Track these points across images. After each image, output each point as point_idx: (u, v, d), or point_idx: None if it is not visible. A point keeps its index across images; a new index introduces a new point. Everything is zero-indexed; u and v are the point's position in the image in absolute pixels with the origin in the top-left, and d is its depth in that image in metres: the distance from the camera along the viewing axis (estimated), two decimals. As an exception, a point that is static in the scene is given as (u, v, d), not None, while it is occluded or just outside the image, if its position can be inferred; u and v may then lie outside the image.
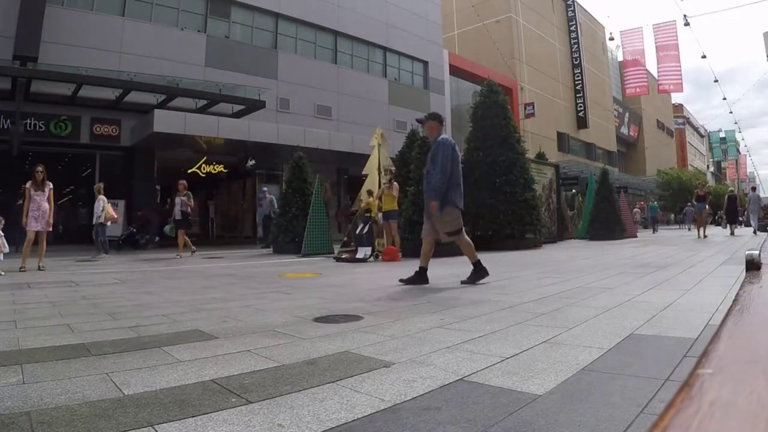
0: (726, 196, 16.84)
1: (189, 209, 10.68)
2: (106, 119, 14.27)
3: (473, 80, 26.33)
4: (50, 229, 7.52)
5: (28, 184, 7.35)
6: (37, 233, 7.24)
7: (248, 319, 3.14)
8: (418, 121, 5.27)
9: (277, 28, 18.58)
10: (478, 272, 4.75)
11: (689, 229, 26.34)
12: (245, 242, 16.91)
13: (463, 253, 4.87)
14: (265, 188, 14.28)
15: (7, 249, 6.86)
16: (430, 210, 4.77)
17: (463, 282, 4.74)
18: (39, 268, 7.00)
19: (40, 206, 7.25)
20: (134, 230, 13.19)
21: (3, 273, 6.36)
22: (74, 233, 14.73)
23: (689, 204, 32.72)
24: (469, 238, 4.90)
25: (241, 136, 14.09)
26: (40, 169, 7.35)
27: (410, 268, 7.09)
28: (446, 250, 9.00)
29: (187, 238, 10.45)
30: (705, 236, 14.92)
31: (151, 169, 15.34)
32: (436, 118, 5.04)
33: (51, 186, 7.54)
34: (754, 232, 15.64)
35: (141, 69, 13.65)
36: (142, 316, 3.29)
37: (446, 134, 4.97)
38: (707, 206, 17.00)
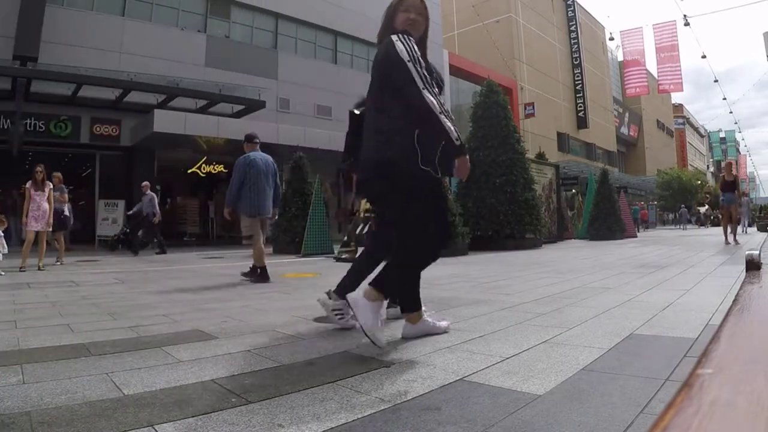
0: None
1: (65, 207, 8.88)
2: (106, 119, 14.27)
3: (473, 80, 26.33)
4: (50, 229, 7.53)
5: (28, 184, 7.38)
6: (37, 233, 7.26)
7: (248, 319, 3.14)
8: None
9: (277, 28, 18.59)
10: (260, 275, 5.37)
11: (683, 229, 26.54)
12: (245, 242, 16.91)
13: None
14: (145, 182, 11.74)
15: (6, 249, 6.86)
16: (225, 215, 5.50)
17: (243, 273, 5.51)
18: (39, 268, 7.00)
19: (40, 206, 7.27)
20: (128, 230, 13.20)
21: (3, 273, 6.36)
22: (74, 233, 14.71)
23: (682, 206, 33.07)
24: (262, 246, 5.46)
25: (241, 136, 14.03)
26: (39, 169, 7.37)
27: (410, 268, 7.05)
28: (445, 250, 9.01)
29: (62, 242, 8.73)
30: (736, 242, 10.63)
31: (151, 169, 15.33)
32: (246, 140, 5.72)
33: (51, 186, 7.57)
34: (744, 230, 17.86)
35: (141, 69, 13.65)
36: (142, 316, 3.29)
37: (257, 151, 5.58)
38: (707, 207, 17.18)
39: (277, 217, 5.83)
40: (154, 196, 10.70)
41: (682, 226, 28.11)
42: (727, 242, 10.62)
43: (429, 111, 2.23)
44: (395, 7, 2.46)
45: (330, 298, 2.81)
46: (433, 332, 2.54)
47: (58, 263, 8.20)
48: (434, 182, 2.36)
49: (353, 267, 2.98)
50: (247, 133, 5.87)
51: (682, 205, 33.57)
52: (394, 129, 2.29)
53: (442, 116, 2.25)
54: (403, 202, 2.35)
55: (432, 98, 2.24)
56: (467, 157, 2.41)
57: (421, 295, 2.57)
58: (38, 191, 7.30)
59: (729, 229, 11.05)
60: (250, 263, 5.70)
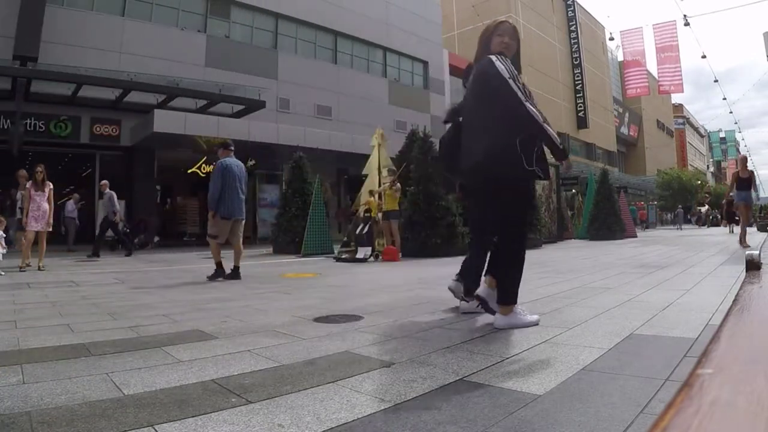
0: (724, 201, 18.38)
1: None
2: (106, 119, 14.27)
3: (473, 80, 26.30)
4: (50, 229, 7.52)
5: (28, 184, 7.36)
6: (37, 233, 7.25)
7: (248, 319, 3.14)
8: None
9: (277, 28, 18.58)
10: (218, 273, 5.71)
11: (680, 229, 26.76)
12: (245, 242, 16.90)
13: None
14: (104, 181, 10.85)
15: (5, 249, 6.86)
16: (210, 218, 5.85)
17: (208, 277, 5.71)
18: (39, 268, 6.99)
19: (40, 206, 7.26)
20: (127, 230, 13.20)
21: (3, 273, 6.36)
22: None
23: (679, 206, 33.36)
24: (218, 247, 5.81)
25: (241, 136, 14.08)
26: (39, 169, 7.36)
27: (410, 267, 7.10)
28: (445, 250, 9.02)
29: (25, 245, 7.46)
30: (746, 244, 9.74)
31: (151, 169, 15.34)
32: (222, 147, 6.04)
33: (51, 186, 7.55)
34: (759, 229, 18.70)
35: (141, 69, 13.65)
36: (142, 316, 3.29)
37: (231, 157, 5.91)
38: (707, 207, 17.34)
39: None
40: (113, 194, 10.38)
41: (678, 227, 28.51)
42: (743, 245, 9.51)
43: (533, 121, 2.56)
44: (492, 32, 2.80)
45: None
46: (524, 325, 2.70)
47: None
48: (533, 182, 2.70)
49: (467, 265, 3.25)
50: (222, 141, 6.35)
51: (680, 206, 33.95)
52: (499, 137, 2.60)
53: (545, 125, 2.60)
54: (512, 201, 2.69)
55: (533, 109, 2.56)
56: (569, 158, 2.78)
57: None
58: (38, 191, 7.29)
59: (740, 230, 10.11)
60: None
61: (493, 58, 2.64)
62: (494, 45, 2.75)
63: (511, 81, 2.56)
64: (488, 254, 2.99)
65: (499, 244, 2.79)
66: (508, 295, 2.72)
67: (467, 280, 3.09)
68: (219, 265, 5.70)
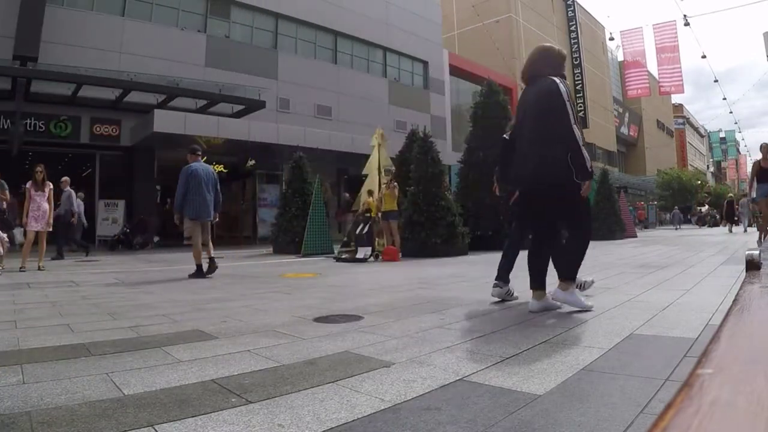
0: (725, 201, 19.04)
1: (4, 204, 7.77)
2: (106, 119, 14.26)
3: (473, 80, 26.31)
4: (50, 229, 7.49)
5: (28, 184, 7.33)
6: (37, 233, 7.23)
7: (248, 319, 3.14)
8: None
9: (277, 28, 18.58)
10: (197, 272, 5.96)
11: (677, 229, 27.05)
12: (245, 242, 16.90)
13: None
14: (65, 177, 10.24)
15: (8, 244, 6.86)
16: (175, 221, 6.26)
17: (190, 275, 5.95)
18: (39, 268, 6.98)
19: (40, 206, 7.24)
20: (128, 230, 13.20)
21: (2, 269, 6.35)
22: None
23: (676, 207, 33.62)
24: (199, 247, 6.07)
25: (241, 136, 14.09)
26: (39, 169, 7.33)
27: (410, 267, 7.10)
28: (445, 250, 9.02)
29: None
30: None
31: (151, 169, 15.34)
32: (189, 152, 6.37)
33: (51, 186, 7.52)
34: (744, 230, 18.48)
35: (141, 69, 13.64)
36: (142, 316, 3.29)
37: (199, 162, 6.22)
38: (707, 207, 17.55)
39: (217, 219, 6.47)
40: (72, 193, 9.87)
41: (675, 227, 28.95)
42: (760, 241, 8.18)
43: (575, 141, 2.97)
44: (563, 58, 3.39)
45: (499, 287, 3.68)
46: (577, 305, 3.11)
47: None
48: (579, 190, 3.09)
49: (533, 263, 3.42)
50: (191, 146, 6.70)
51: (676, 207, 34.36)
52: (554, 152, 3.01)
53: (582, 148, 2.99)
54: (571, 206, 3.14)
55: (578, 132, 2.98)
56: (590, 182, 3.13)
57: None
58: (38, 191, 7.27)
59: (759, 230, 9.13)
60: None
61: (558, 80, 3.08)
62: (562, 68, 3.31)
63: (568, 103, 3.00)
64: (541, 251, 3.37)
65: (572, 232, 3.33)
66: (569, 271, 3.16)
67: (538, 280, 3.29)
68: (200, 267, 6.01)
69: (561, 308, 3.18)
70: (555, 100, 3.01)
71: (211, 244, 6.24)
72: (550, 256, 3.34)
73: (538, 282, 3.25)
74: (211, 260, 6.04)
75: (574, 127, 2.95)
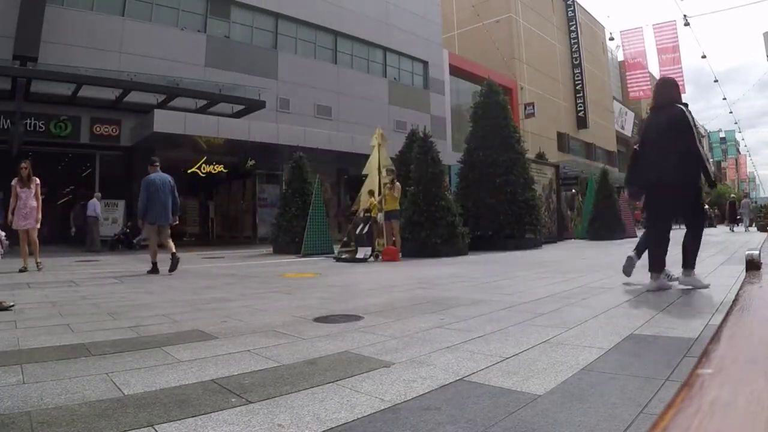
0: (728, 202, 20.70)
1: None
2: (106, 119, 14.26)
3: (473, 80, 26.31)
4: (38, 225, 7.17)
5: (14, 182, 7.01)
6: (27, 231, 6.96)
7: (248, 319, 3.14)
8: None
9: (277, 28, 18.57)
10: (153, 270, 6.59)
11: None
12: (245, 242, 16.90)
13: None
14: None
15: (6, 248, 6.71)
16: (139, 225, 6.93)
17: (148, 272, 6.57)
18: (38, 268, 6.92)
19: (27, 203, 6.95)
20: (127, 230, 13.22)
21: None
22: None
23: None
24: (155, 248, 6.82)
25: (241, 136, 14.09)
26: (25, 165, 7.02)
27: (410, 268, 7.10)
28: (445, 250, 9.02)
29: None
30: None
31: (151, 169, 15.32)
32: (149, 163, 7.17)
33: (38, 182, 7.19)
34: (745, 229, 20.03)
35: (141, 69, 13.64)
36: (142, 316, 3.29)
37: (157, 172, 6.97)
38: (707, 207, 18.14)
39: (177, 222, 7.12)
40: (97, 202, 10.47)
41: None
42: None
43: (700, 159, 3.85)
44: (678, 85, 4.27)
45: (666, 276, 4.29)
46: (698, 285, 3.99)
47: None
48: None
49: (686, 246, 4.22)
50: (151, 157, 7.46)
51: None
52: (684, 162, 3.85)
53: (707, 163, 3.92)
54: (693, 202, 4.04)
55: (703, 151, 3.90)
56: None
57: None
58: (24, 188, 6.96)
59: None
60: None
61: (685, 109, 3.91)
62: (681, 96, 4.18)
63: (694, 129, 3.84)
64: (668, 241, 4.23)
65: (691, 227, 4.17)
66: (692, 262, 4.03)
67: (658, 265, 4.12)
68: (155, 264, 6.63)
69: (670, 288, 3.98)
70: (683, 123, 3.86)
71: (171, 242, 6.85)
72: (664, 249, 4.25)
73: (658, 266, 4.06)
74: (173, 255, 6.59)
75: (701, 148, 3.83)
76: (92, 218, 12.50)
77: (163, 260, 6.67)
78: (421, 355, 2.18)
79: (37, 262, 7.02)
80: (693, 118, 3.86)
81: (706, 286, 3.93)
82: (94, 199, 12.82)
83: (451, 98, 26.23)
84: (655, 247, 4.17)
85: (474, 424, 1.41)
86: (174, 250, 6.69)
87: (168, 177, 7.02)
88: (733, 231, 19.47)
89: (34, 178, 7.14)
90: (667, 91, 4.16)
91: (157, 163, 7.19)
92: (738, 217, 20.98)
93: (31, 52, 12.42)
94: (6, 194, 8.93)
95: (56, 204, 17.72)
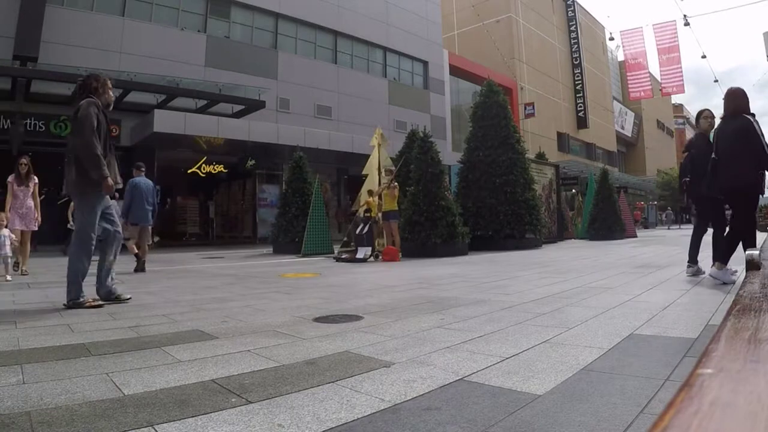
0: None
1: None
2: (106, 119, 14.25)
3: (473, 80, 26.32)
4: (36, 228, 6.77)
5: (10, 178, 6.54)
6: (21, 233, 6.53)
7: (248, 319, 3.14)
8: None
9: (277, 28, 18.58)
10: (137, 261, 7.03)
11: (668, 229, 27.57)
12: (245, 242, 16.91)
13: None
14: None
15: (8, 252, 6.21)
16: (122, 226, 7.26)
17: (135, 270, 6.97)
18: (21, 273, 6.42)
19: (24, 203, 6.53)
20: None
21: (10, 278, 5.89)
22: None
23: (668, 208, 34.08)
24: (135, 249, 7.19)
25: (241, 136, 14.09)
26: (24, 161, 6.57)
27: (410, 268, 7.10)
28: (445, 250, 9.02)
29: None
30: None
31: (151, 169, 15.30)
32: (134, 168, 7.59)
33: (36, 180, 6.78)
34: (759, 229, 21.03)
35: (141, 69, 13.65)
36: (142, 316, 3.29)
37: (141, 176, 7.39)
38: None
39: (152, 224, 7.55)
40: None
41: (667, 227, 29.75)
42: None
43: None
44: (746, 96, 4.48)
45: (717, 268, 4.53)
46: (726, 279, 4.28)
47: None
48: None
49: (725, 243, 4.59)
50: (136, 162, 7.93)
51: (668, 207, 35.06)
52: (750, 169, 4.13)
53: None
54: (750, 206, 4.34)
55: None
56: None
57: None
58: (21, 186, 6.55)
59: None
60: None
61: (751, 118, 4.20)
62: (749, 106, 4.44)
63: (763, 138, 4.07)
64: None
65: (738, 228, 4.44)
66: (725, 257, 4.40)
67: (725, 257, 4.45)
68: (137, 255, 7.11)
69: (733, 283, 4.21)
70: (752, 133, 4.13)
71: (146, 246, 7.30)
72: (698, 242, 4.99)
73: (723, 258, 4.41)
74: (143, 262, 7.08)
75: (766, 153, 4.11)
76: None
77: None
78: (421, 355, 2.18)
79: (23, 269, 6.55)
80: (760, 129, 4.13)
81: (733, 282, 4.22)
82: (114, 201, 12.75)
83: (451, 98, 26.24)
84: (730, 244, 4.48)
85: (474, 424, 1.41)
86: (145, 257, 7.12)
87: (150, 182, 7.49)
88: None
89: (33, 176, 6.75)
90: (735, 101, 4.42)
91: (143, 168, 7.59)
92: None
93: (31, 52, 12.42)
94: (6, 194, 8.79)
95: (57, 204, 17.73)
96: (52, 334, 2.72)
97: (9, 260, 6.11)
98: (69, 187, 3.98)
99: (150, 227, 7.39)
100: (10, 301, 4.09)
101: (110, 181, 3.80)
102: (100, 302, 3.88)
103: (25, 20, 12.42)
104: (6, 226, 6.34)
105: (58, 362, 2.12)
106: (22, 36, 12.40)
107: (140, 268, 6.97)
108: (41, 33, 12.69)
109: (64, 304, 3.71)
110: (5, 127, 12.59)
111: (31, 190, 6.70)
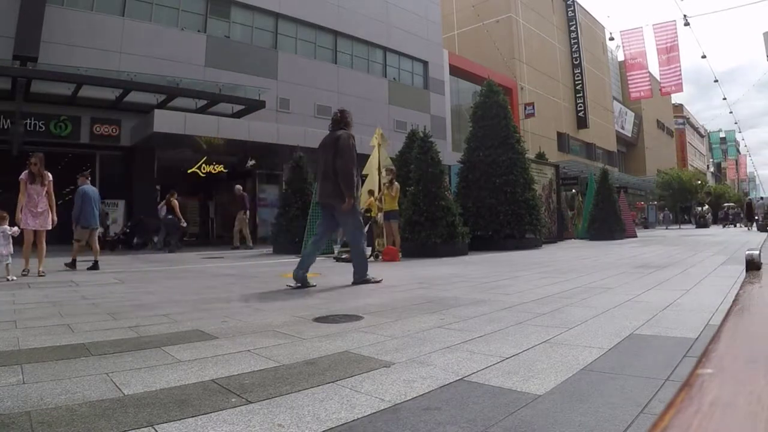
0: (745, 203, 22.81)
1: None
2: (106, 119, 14.26)
3: (473, 80, 26.31)
4: (49, 227, 6.62)
5: (23, 175, 6.41)
6: (35, 233, 6.45)
7: (248, 319, 3.14)
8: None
9: (277, 28, 18.58)
10: (72, 265, 7.38)
11: (666, 229, 27.94)
12: (245, 242, 16.86)
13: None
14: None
15: (10, 257, 6.08)
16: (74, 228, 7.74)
17: (66, 264, 7.37)
18: (39, 274, 6.25)
19: (38, 203, 6.43)
20: (127, 230, 13.23)
21: (14, 278, 5.81)
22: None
23: (666, 208, 34.73)
24: (77, 249, 7.61)
25: (241, 136, 14.09)
26: (34, 160, 6.43)
27: (410, 268, 7.09)
28: (445, 250, 9.01)
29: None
30: None
31: (151, 169, 15.33)
32: (79, 175, 7.97)
33: (50, 178, 6.63)
34: (748, 229, 21.87)
35: (141, 69, 13.64)
36: (142, 316, 3.29)
37: (87, 183, 7.85)
38: (707, 207, 19.06)
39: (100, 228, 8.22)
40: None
41: (665, 227, 30.25)
42: None
43: None
44: None
45: None
46: None
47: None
48: None
49: None
50: (82, 170, 8.27)
51: (666, 208, 35.62)
52: None
53: None
54: None
55: None
56: None
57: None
58: (34, 184, 6.43)
59: None
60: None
61: None
62: None
63: None
64: None
65: None
66: None
67: None
68: (74, 261, 7.44)
69: None
70: None
71: (97, 246, 7.73)
72: None
73: None
74: (96, 262, 7.42)
75: None
76: (169, 219, 12.47)
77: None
78: (421, 355, 2.18)
79: (39, 270, 6.31)
80: None
81: None
82: (162, 203, 12.85)
83: (451, 98, 26.23)
84: None
85: (474, 424, 1.41)
86: (98, 258, 7.55)
87: (95, 189, 8.11)
88: (750, 230, 21.16)
89: (46, 173, 6.55)
90: None
91: (89, 177, 8.15)
92: (756, 217, 22.39)
93: (31, 52, 12.41)
94: (6, 194, 8.78)
95: (56, 204, 17.76)
96: (52, 334, 2.72)
97: (9, 259, 6.02)
98: (325, 196, 4.96)
99: (97, 230, 7.94)
100: (11, 301, 4.09)
101: (353, 200, 4.79)
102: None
103: (25, 20, 12.42)
104: (18, 225, 6.34)
105: (58, 362, 2.12)
106: (22, 36, 12.39)
107: (95, 267, 7.29)
108: (41, 33, 12.68)
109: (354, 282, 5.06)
110: (5, 127, 12.58)
111: (45, 188, 6.56)
